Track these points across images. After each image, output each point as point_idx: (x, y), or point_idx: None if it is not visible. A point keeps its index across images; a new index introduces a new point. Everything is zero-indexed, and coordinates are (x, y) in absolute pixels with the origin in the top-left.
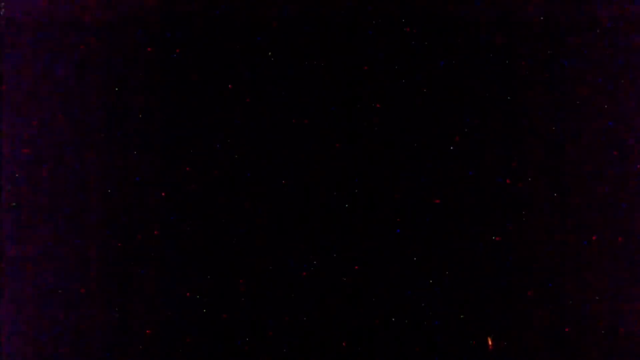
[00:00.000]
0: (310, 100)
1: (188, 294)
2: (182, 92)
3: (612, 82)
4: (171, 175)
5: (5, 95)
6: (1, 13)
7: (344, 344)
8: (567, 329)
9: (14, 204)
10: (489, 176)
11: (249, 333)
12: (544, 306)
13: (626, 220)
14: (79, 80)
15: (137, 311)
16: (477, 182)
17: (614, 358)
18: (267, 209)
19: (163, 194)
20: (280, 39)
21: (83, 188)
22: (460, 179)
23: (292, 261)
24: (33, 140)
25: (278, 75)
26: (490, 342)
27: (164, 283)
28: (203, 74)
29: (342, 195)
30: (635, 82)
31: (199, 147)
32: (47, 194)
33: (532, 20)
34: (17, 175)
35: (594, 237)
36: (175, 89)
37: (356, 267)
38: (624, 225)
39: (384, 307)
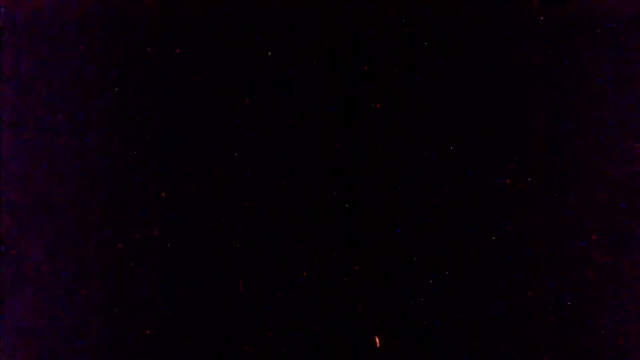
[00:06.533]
0: (310, 100)
1: (188, 294)
2: (182, 92)
3: (612, 82)
4: (171, 175)
5: (5, 95)
6: (1, 13)
7: (343, 344)
8: (567, 329)
9: (14, 204)
10: (489, 176)
11: (249, 333)
12: (544, 306)
13: (626, 220)
14: (79, 80)
15: (137, 311)
16: (477, 182)
17: (614, 358)
18: (267, 209)
19: (163, 194)
20: (280, 39)
21: (83, 188)
22: (460, 179)
23: (292, 261)
24: (33, 140)
25: (278, 75)
26: (377, 341)
27: (164, 283)
28: (203, 74)
29: (342, 195)
30: (635, 82)
31: (199, 147)
32: (47, 194)
33: (532, 20)
34: (17, 175)
35: (594, 237)
36: (175, 89)
37: (356, 267)
38: (624, 225)
39: (384, 307)
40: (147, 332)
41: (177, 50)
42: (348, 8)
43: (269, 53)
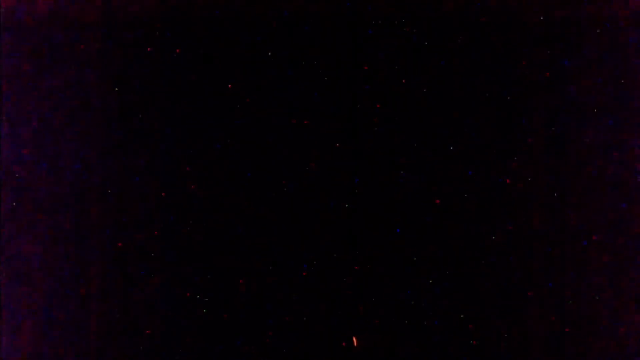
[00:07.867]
0: (310, 100)
1: (188, 294)
2: (182, 92)
3: (612, 82)
4: (171, 175)
5: (5, 95)
6: (1, 13)
7: (344, 344)
8: (567, 329)
9: (14, 204)
10: (489, 176)
11: (249, 333)
12: (544, 306)
13: (626, 220)
14: (79, 80)
15: (137, 311)
16: (477, 182)
17: (614, 358)
18: (267, 209)
19: (163, 194)
20: (280, 39)
21: (83, 188)
22: (460, 179)
23: (292, 261)
24: (33, 140)
25: (278, 75)
26: (355, 341)
27: (164, 283)
28: (203, 74)
29: (342, 195)
30: (635, 82)
31: (199, 147)
32: (47, 194)
33: (532, 20)
34: (17, 175)
35: (594, 237)
36: (175, 89)
37: (356, 267)
38: (624, 225)
39: (384, 307)
40: (147, 332)
41: (177, 50)
42: (348, 8)
43: (269, 53)
